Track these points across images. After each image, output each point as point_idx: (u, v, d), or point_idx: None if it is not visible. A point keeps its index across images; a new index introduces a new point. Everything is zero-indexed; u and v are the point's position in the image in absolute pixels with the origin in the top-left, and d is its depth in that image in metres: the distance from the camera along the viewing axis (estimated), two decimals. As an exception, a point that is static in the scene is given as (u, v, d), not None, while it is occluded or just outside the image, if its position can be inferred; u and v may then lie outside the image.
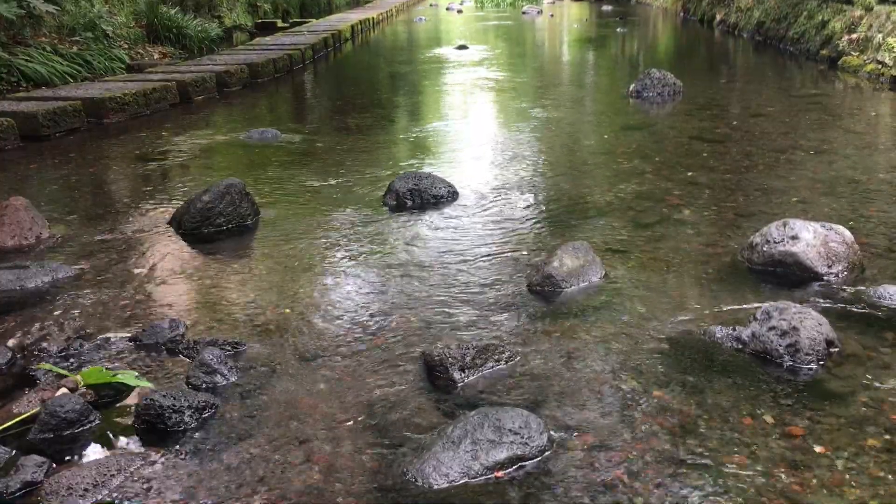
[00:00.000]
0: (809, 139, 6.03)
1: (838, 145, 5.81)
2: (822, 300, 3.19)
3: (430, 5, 29.35)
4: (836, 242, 3.45)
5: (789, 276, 3.42)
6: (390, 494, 2.11)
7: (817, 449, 2.24)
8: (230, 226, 4.32)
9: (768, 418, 2.39)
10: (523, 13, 23.81)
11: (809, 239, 3.43)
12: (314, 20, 18.44)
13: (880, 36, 9.16)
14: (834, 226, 3.54)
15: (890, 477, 2.11)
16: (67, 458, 2.32)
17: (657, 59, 12.69)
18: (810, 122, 6.73)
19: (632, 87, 8.39)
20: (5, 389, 2.69)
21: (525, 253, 3.83)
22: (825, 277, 3.37)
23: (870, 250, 3.68)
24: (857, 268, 3.45)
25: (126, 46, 10.59)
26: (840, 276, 3.38)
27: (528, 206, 4.60)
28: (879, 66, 8.88)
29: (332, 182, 5.25)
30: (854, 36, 9.86)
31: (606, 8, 24.00)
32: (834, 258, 3.41)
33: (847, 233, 3.53)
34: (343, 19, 18.27)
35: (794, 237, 3.46)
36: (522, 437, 2.24)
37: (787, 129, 6.47)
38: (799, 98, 7.99)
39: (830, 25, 10.63)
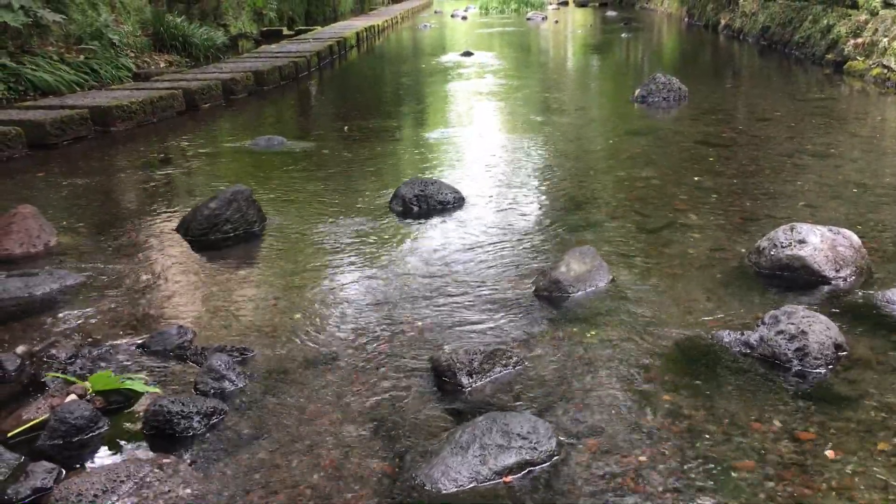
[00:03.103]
0: (816, 143, 6.02)
1: (845, 149, 5.81)
2: (830, 304, 3.18)
3: (435, 12, 29.44)
4: (843, 246, 3.45)
5: (797, 281, 3.41)
6: (399, 499, 2.11)
7: (827, 453, 2.23)
8: (237, 232, 4.33)
9: (777, 423, 2.38)
10: (528, 19, 23.87)
11: (817, 243, 3.43)
12: (319, 28, 18.50)
13: (886, 40, 9.15)
14: (841, 230, 3.53)
15: (900, 481, 2.10)
16: (77, 464, 2.32)
17: (662, 64, 12.70)
18: (816, 126, 6.73)
19: (637, 92, 8.40)
20: (15, 396, 2.70)
21: (532, 258, 3.84)
22: (833, 281, 3.36)
23: (877, 254, 3.68)
24: (865, 272, 3.44)
25: (132, 55, 10.65)
26: (848, 280, 3.38)
27: (535, 212, 4.60)
28: (885, 71, 8.87)
29: (339, 188, 5.27)
30: (859, 40, 9.85)
31: (611, 13, 24.04)
32: (842, 262, 3.40)
33: (854, 237, 3.52)
34: (348, 27, 18.32)
35: (802, 241, 3.45)
36: (531, 442, 2.24)
37: (793, 133, 6.47)
38: (805, 102, 7.98)
39: (836, 30, 10.63)
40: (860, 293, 3.27)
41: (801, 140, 6.17)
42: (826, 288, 3.34)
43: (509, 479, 2.17)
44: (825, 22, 11.09)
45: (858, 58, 9.68)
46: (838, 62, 10.13)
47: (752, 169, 5.33)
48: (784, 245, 3.48)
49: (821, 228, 3.50)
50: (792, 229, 3.52)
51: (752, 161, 5.55)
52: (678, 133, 6.78)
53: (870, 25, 9.78)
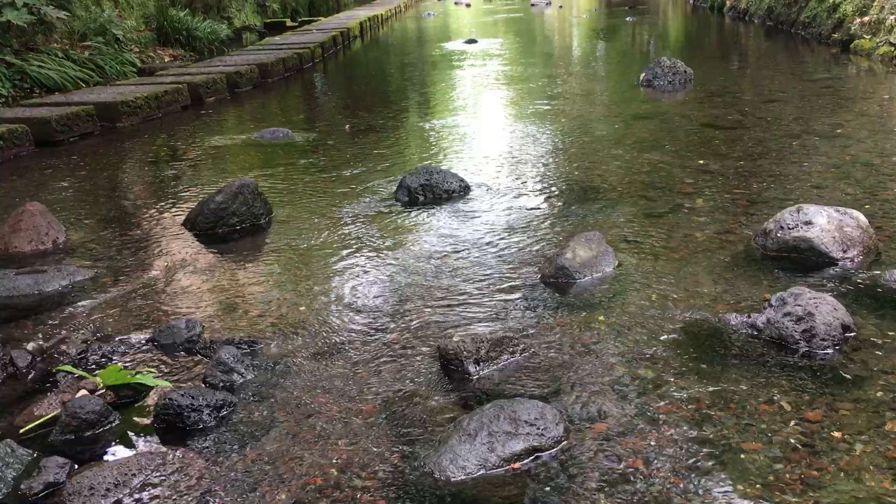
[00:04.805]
0: (822, 124, 5.99)
1: (852, 129, 5.77)
2: (837, 285, 3.17)
3: (438, 0, 29.31)
4: (850, 227, 3.43)
5: (804, 262, 3.40)
6: (408, 487, 2.12)
7: (835, 434, 2.23)
8: (244, 225, 4.34)
9: (785, 404, 2.38)
10: (532, 5, 23.73)
11: (823, 224, 3.41)
12: (323, 18, 18.47)
13: (892, 18, 9.07)
14: (848, 210, 3.52)
15: (909, 460, 2.10)
16: (89, 458, 2.34)
17: (668, 47, 12.63)
18: (823, 106, 6.68)
19: (642, 75, 8.36)
20: (26, 392, 2.73)
21: (537, 245, 3.83)
22: (840, 262, 3.35)
23: (885, 234, 3.66)
24: (873, 252, 3.43)
25: (137, 50, 10.66)
26: (855, 260, 3.36)
27: (540, 198, 4.60)
28: (892, 49, 8.79)
29: (344, 179, 5.27)
30: (866, 18, 9.77)
31: (615, -3, 23.87)
32: (849, 243, 3.39)
33: (862, 217, 3.50)
34: (352, 17, 18.29)
35: (808, 222, 3.44)
36: (538, 429, 2.24)
37: (800, 114, 6.43)
38: (811, 83, 7.93)
39: (842, 8, 10.53)
40: (868, 273, 3.26)
41: (808, 121, 6.13)
42: (833, 269, 3.33)
43: (517, 465, 2.18)
44: (831, 1, 10.99)
45: (865, 36, 9.60)
46: (845, 41, 10.04)
47: (759, 151, 5.31)
48: (790, 227, 3.47)
49: (827, 209, 3.49)
50: (798, 211, 3.50)
51: (759, 143, 5.52)
52: (684, 116, 6.74)
53: (876, 3, 9.69)
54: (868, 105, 6.74)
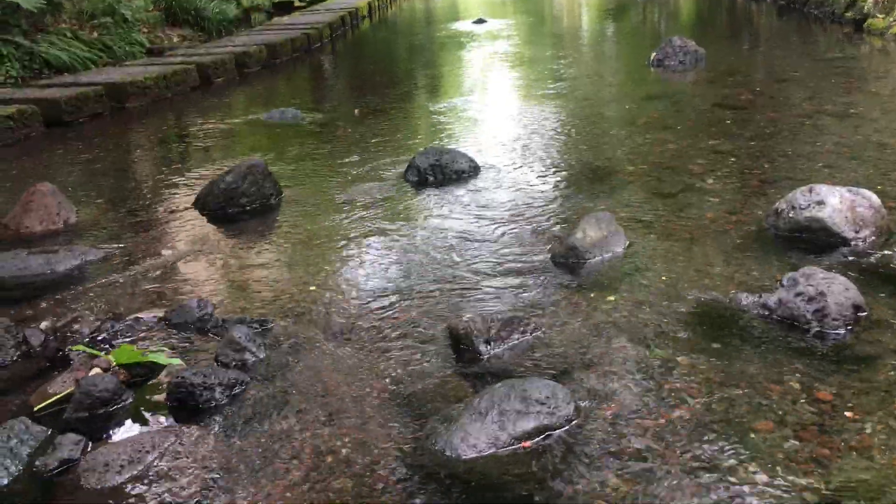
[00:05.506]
0: (835, 103, 5.94)
1: (865, 109, 5.72)
2: (849, 265, 3.16)
3: (447, -20, 29.10)
4: (863, 207, 3.41)
5: (816, 242, 3.39)
6: (420, 466, 2.13)
7: (846, 414, 2.23)
8: (254, 205, 4.35)
9: (796, 384, 2.38)
10: (541, -16, 23.52)
11: (835, 204, 3.39)
12: (331, -2, 18.34)
13: (907, -4, 8.97)
14: (861, 190, 3.49)
15: (920, 440, 2.10)
16: (103, 435, 2.36)
17: (678, 27, 12.53)
18: (836, 86, 6.63)
19: (653, 55, 8.30)
20: (40, 371, 2.74)
21: (548, 225, 3.83)
22: (852, 242, 3.33)
23: (898, 214, 3.63)
24: (885, 232, 3.41)
25: (145, 30, 10.63)
26: (867, 240, 3.34)
27: (550, 178, 4.58)
28: (906, 27, 8.70)
29: (354, 160, 5.26)
30: (880, -3, 9.65)
31: (626, -23, 23.63)
32: (861, 223, 3.37)
33: (874, 197, 3.48)
34: (360, -4, 18.17)
35: (820, 202, 3.42)
36: (549, 407, 2.25)
37: (812, 93, 6.37)
38: (824, 62, 7.86)
39: (855, -13, 10.41)
40: (880, 253, 3.24)
41: (821, 100, 6.08)
42: (845, 249, 3.31)
43: (528, 444, 2.19)
44: (844, -21, 10.86)
45: (879, 15, 9.49)
46: (858, 20, 9.94)
47: (770, 131, 5.27)
48: (802, 207, 3.45)
49: (840, 189, 3.47)
50: (810, 191, 3.48)
51: (770, 123, 5.48)
52: (695, 96, 6.70)
53: (890, -19, 9.57)
54: (881, 85, 6.69)
